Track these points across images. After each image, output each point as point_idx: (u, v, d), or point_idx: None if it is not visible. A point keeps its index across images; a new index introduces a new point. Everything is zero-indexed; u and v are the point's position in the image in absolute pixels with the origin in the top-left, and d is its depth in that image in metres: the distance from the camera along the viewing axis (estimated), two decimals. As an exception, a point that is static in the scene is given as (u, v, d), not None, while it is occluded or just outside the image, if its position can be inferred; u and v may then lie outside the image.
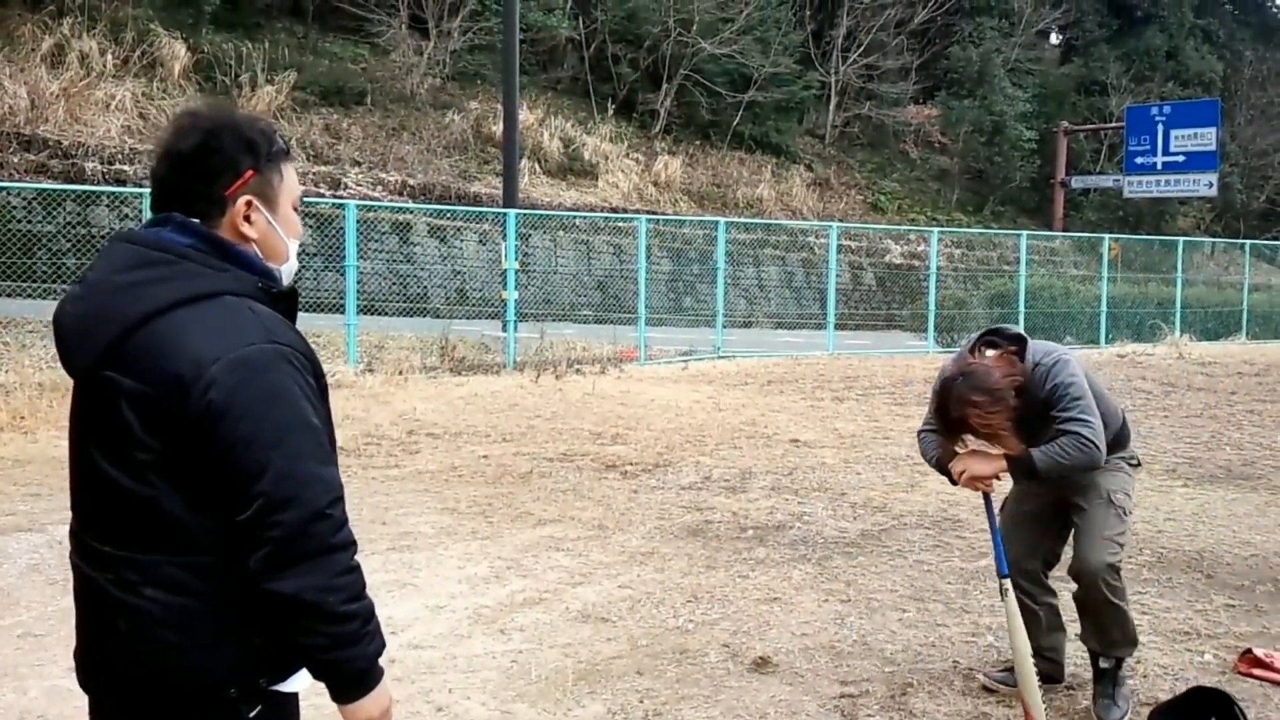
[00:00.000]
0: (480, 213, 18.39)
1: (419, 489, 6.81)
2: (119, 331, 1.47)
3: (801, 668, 3.93)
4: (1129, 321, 19.08)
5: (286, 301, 1.61)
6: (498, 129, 20.89)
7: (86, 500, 1.56)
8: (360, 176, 20.16)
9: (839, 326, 16.88)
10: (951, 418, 3.27)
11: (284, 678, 1.56)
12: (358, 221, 12.01)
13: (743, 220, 23.71)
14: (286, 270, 1.66)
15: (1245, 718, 3.18)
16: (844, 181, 31.53)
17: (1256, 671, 3.83)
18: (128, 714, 1.56)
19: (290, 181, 1.65)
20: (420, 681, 3.71)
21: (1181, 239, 21.68)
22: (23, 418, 8.15)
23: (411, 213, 19.11)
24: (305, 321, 1.66)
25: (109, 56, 18.90)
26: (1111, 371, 13.18)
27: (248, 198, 1.57)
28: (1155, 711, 3.33)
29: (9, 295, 12.68)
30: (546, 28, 25.40)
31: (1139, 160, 26.89)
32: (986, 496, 3.45)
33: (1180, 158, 25.99)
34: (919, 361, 14.42)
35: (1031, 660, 3.26)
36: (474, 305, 18.06)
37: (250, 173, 1.57)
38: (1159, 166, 26.44)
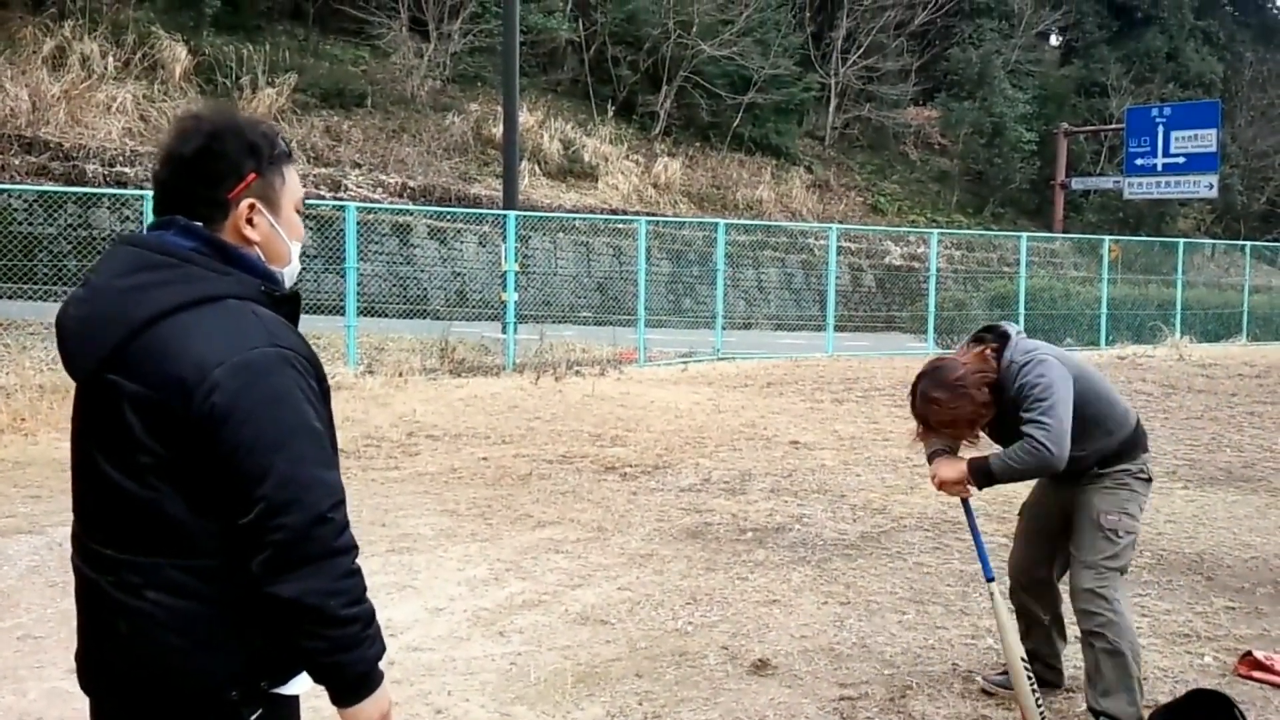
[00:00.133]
0: (480, 214, 18.40)
1: (419, 491, 6.81)
2: (122, 335, 1.48)
3: (800, 670, 3.93)
4: (1129, 323, 19.08)
5: (289, 305, 1.61)
6: (498, 131, 20.90)
7: (88, 503, 1.56)
8: (360, 178, 20.17)
9: (839, 328, 16.88)
10: (916, 414, 3.31)
11: (285, 680, 1.57)
12: (358, 223, 12.02)
13: (742, 222, 23.74)
14: (289, 272, 1.66)
15: (1244, 720, 3.18)
16: (844, 183, 31.54)
17: (1256, 674, 3.83)
18: (128, 717, 1.56)
19: (292, 184, 1.65)
20: (419, 684, 3.71)
21: (1182, 240, 21.67)
22: (23, 420, 8.15)
23: (411, 215, 19.12)
24: (305, 323, 1.66)
25: (110, 59, 18.92)
26: (1112, 374, 13.17)
27: (250, 201, 1.58)
28: (1155, 714, 3.33)
29: (10, 297, 12.69)
30: (546, 30, 25.42)
31: (1139, 162, 26.89)
32: (965, 502, 3.44)
33: (1180, 159, 26.00)
34: (919, 363, 14.39)
35: (1023, 663, 3.26)
36: (474, 307, 18.07)
37: (253, 176, 1.57)
38: (1159, 168, 26.45)
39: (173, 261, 1.51)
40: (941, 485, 3.32)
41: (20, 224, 14.61)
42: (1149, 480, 3.37)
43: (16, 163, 16.33)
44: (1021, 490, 6.63)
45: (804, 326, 22.04)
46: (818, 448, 8.48)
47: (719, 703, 3.63)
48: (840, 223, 25.82)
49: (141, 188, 15.27)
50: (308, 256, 15.71)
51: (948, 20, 34.10)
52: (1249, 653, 3.95)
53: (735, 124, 28.52)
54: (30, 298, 13.05)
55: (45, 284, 13.60)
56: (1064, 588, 3.60)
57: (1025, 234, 20.69)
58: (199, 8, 20.59)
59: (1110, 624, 3.20)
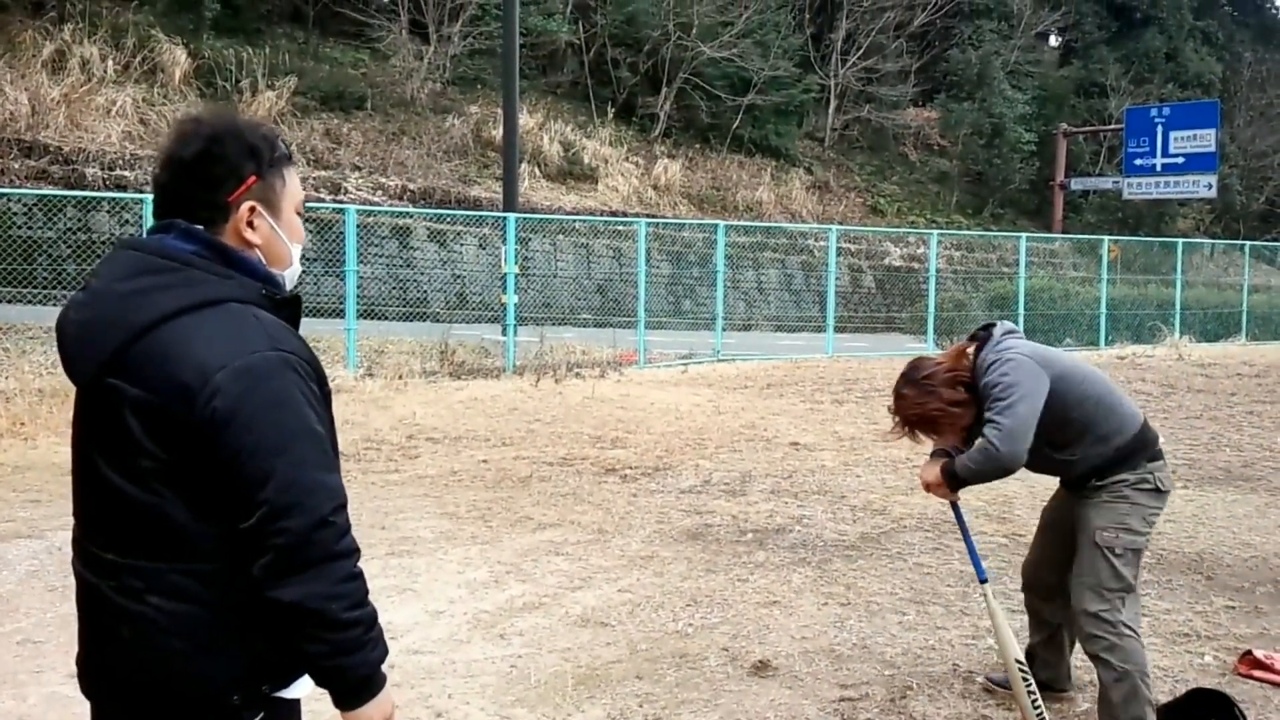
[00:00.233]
0: (480, 217, 18.41)
1: (418, 493, 6.81)
2: (123, 339, 1.47)
3: (801, 671, 3.93)
4: (1129, 323, 19.08)
5: (290, 308, 1.61)
6: (498, 133, 20.90)
7: (89, 507, 1.56)
8: (360, 181, 20.18)
9: (838, 329, 16.88)
10: (891, 411, 3.34)
11: (286, 684, 1.57)
12: (358, 226, 12.02)
13: (742, 223, 23.75)
14: (290, 275, 1.66)
15: (1245, 719, 3.18)
16: (843, 184, 31.54)
17: (1256, 673, 3.83)
18: None
19: (293, 186, 1.65)
20: (419, 687, 3.71)
21: (1181, 240, 21.67)
22: (23, 424, 8.15)
23: (411, 217, 19.13)
24: (305, 326, 1.66)
25: (110, 62, 18.92)
26: (1111, 374, 13.12)
27: (251, 204, 1.58)
28: (1156, 713, 3.32)
29: (9, 301, 12.69)
30: (546, 32, 25.43)
31: (1138, 162, 26.90)
32: (954, 505, 3.44)
33: (1180, 159, 26.01)
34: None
35: (1018, 664, 3.25)
36: (474, 309, 18.07)
37: (253, 179, 1.57)
38: (1158, 168, 26.45)
39: (173, 265, 1.51)
40: (926, 487, 3.33)
41: (20, 228, 14.61)
42: (1156, 490, 3.11)
43: (16, 166, 16.34)
44: (1022, 491, 6.65)
45: (804, 328, 22.03)
46: (818, 449, 8.48)
47: (720, 704, 3.64)
48: (840, 224, 25.83)
49: (141, 191, 15.28)
50: (307, 259, 15.62)
51: (947, 21, 34.11)
52: (1249, 652, 3.95)
53: (735, 125, 28.53)
54: (30, 302, 13.05)
55: (45, 288, 13.61)
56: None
57: (1024, 234, 20.69)
58: (198, 11, 20.61)
59: (1113, 648, 3.06)
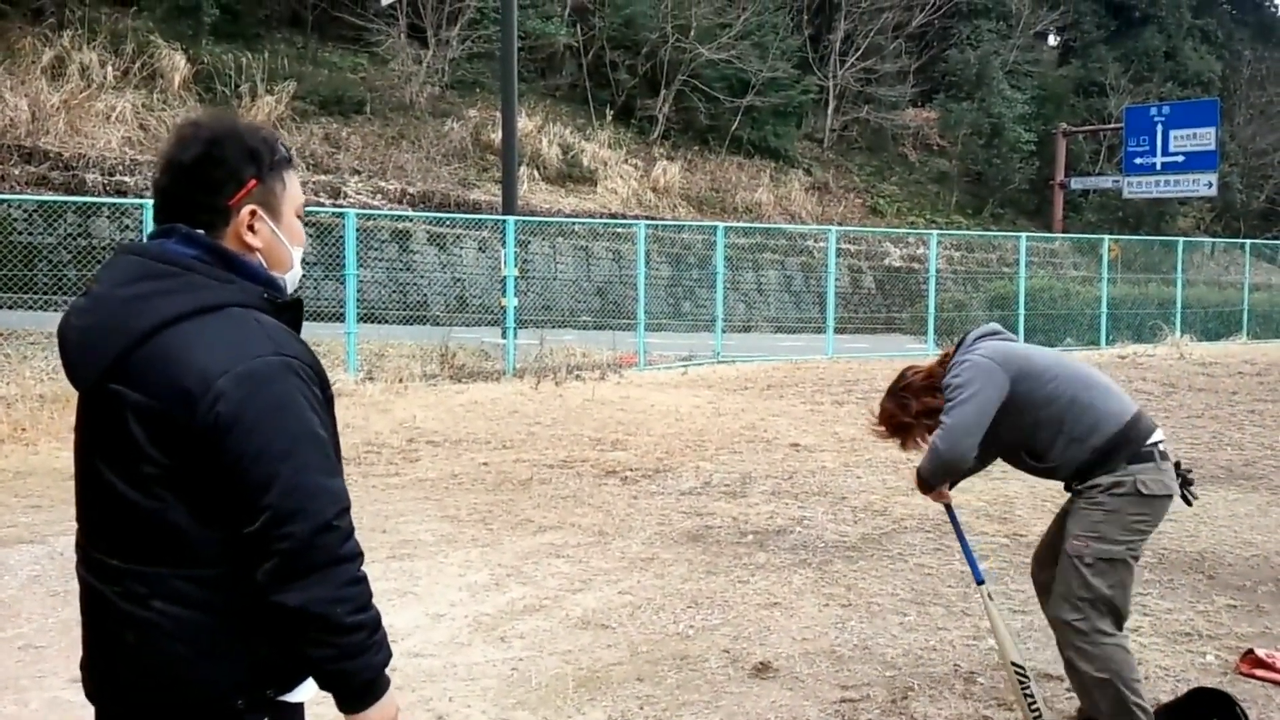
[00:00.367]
0: (479, 220, 18.42)
1: (419, 497, 6.81)
2: (125, 345, 1.47)
3: (802, 673, 3.92)
4: (1129, 322, 19.07)
5: (291, 312, 1.61)
6: (496, 136, 20.93)
7: (92, 513, 1.56)
8: (360, 185, 20.19)
9: (838, 330, 16.87)
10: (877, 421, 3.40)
11: (290, 688, 1.57)
12: (357, 230, 12.03)
13: (742, 225, 23.74)
14: (291, 277, 1.66)
15: (1247, 718, 3.18)
16: (843, 185, 31.54)
17: (1258, 672, 3.83)
18: None
19: (293, 189, 1.65)
20: (421, 690, 3.71)
21: (1181, 239, 21.67)
22: (24, 429, 8.15)
23: (411, 221, 19.14)
24: (305, 330, 1.66)
25: (109, 68, 18.94)
26: (1112, 373, 13.17)
27: (251, 207, 1.57)
28: (1157, 713, 3.32)
29: (10, 307, 12.71)
30: (545, 35, 25.45)
31: (1138, 161, 26.91)
32: (948, 508, 3.45)
33: (1179, 158, 26.01)
34: (919, 363, 14.39)
35: (1014, 665, 3.25)
36: (474, 312, 18.08)
37: (253, 182, 1.57)
38: (1158, 167, 26.46)
39: (175, 270, 1.51)
40: (919, 489, 3.35)
41: (20, 234, 14.63)
42: (1137, 495, 2.92)
43: (16, 173, 16.36)
44: (1023, 491, 6.65)
45: (804, 329, 22.03)
46: (818, 450, 8.48)
47: (720, 706, 3.63)
48: (839, 225, 25.83)
49: (141, 197, 15.29)
50: (307, 264, 15.60)
51: (945, 21, 34.13)
52: (1251, 651, 3.95)
53: (734, 127, 28.54)
54: (30, 307, 13.07)
55: (45, 293, 13.62)
56: None
57: (1025, 234, 20.69)
58: (197, 17, 20.63)
59: (1086, 655, 2.99)
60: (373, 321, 14.87)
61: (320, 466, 1.49)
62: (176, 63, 19.76)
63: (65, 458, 7.25)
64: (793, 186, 29.29)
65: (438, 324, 15.66)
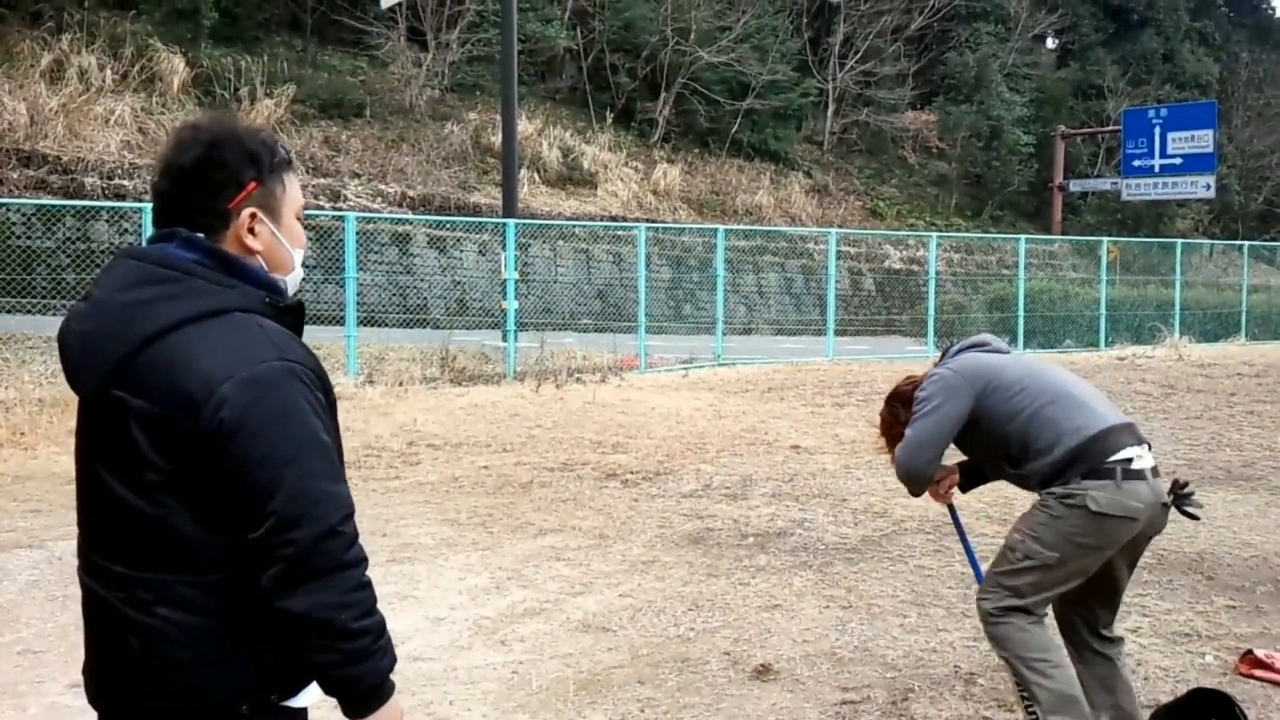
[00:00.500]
0: (480, 223, 18.42)
1: (419, 500, 6.81)
2: (126, 351, 1.47)
3: (803, 675, 3.92)
4: (1128, 324, 19.08)
5: (293, 316, 1.60)
6: (497, 139, 20.93)
7: (94, 519, 1.55)
8: (360, 188, 20.20)
9: (839, 332, 16.89)
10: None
11: (294, 693, 1.56)
12: (357, 233, 12.03)
13: (742, 228, 23.73)
14: (292, 280, 1.65)
15: (1246, 719, 3.17)
16: (843, 188, 31.56)
17: (1257, 672, 3.83)
18: None
19: (293, 192, 1.64)
20: (421, 693, 3.71)
21: (1180, 241, 21.69)
22: (23, 434, 8.15)
23: (411, 224, 19.15)
24: (306, 333, 1.66)
25: (108, 72, 18.95)
26: (1111, 374, 13.18)
27: (251, 210, 1.57)
28: (1156, 713, 3.33)
29: (9, 311, 12.70)
30: (544, 38, 25.47)
31: (1136, 163, 26.95)
32: (951, 508, 3.46)
33: (1178, 160, 26.06)
34: (919, 366, 14.41)
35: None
36: (474, 315, 18.07)
37: (253, 184, 1.57)
38: (1156, 169, 26.50)
39: (176, 275, 1.50)
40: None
41: (19, 237, 14.63)
42: (1084, 509, 2.85)
43: (15, 176, 16.36)
44: (1023, 493, 6.64)
45: (804, 331, 22.05)
46: (819, 452, 8.48)
47: (721, 708, 3.64)
48: (839, 227, 25.84)
49: (140, 200, 15.30)
50: (307, 267, 15.54)
51: (944, 24, 34.16)
52: (1250, 651, 3.95)
53: (734, 130, 28.56)
54: (29, 311, 13.06)
55: (44, 297, 13.62)
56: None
57: (1024, 236, 20.71)
58: (196, 20, 20.64)
59: (989, 636, 3.02)
60: (373, 325, 14.87)
61: (324, 472, 1.49)
62: (175, 66, 19.76)
63: (64, 462, 7.25)
64: (793, 189, 29.31)
65: (438, 327, 15.67)
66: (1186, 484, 2.98)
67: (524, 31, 23.09)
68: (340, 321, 11.76)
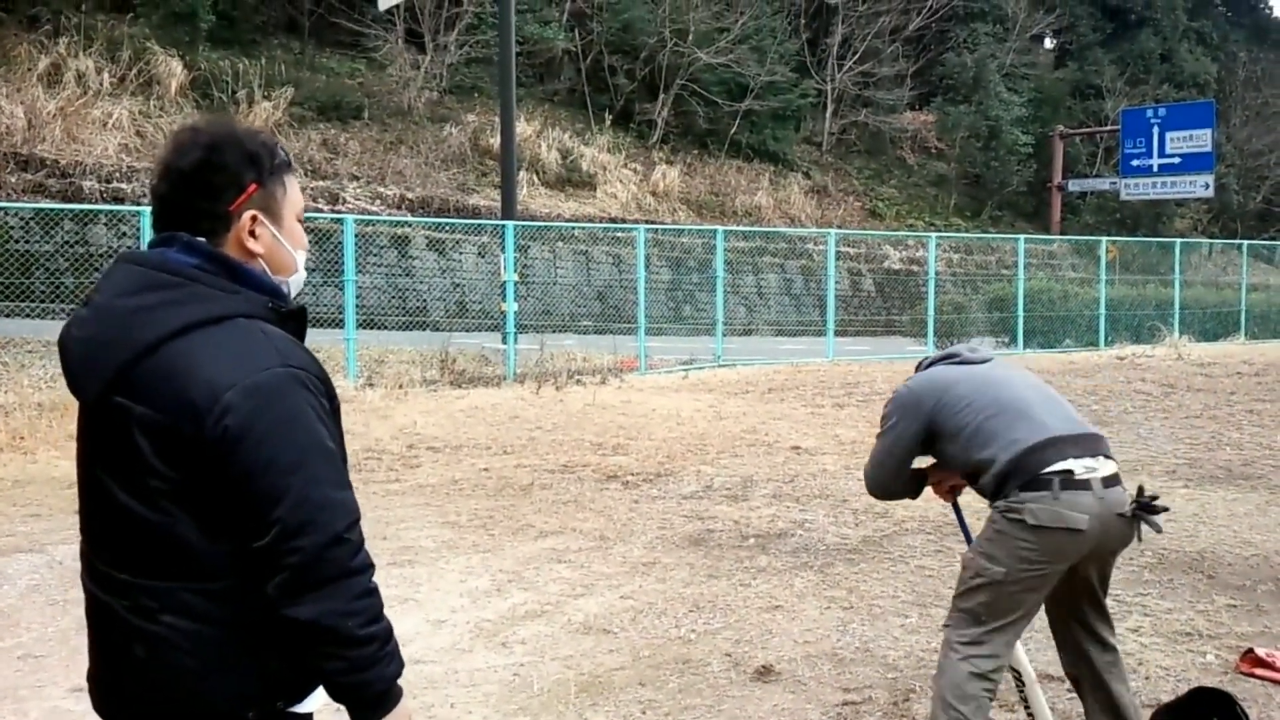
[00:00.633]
0: (479, 225, 18.42)
1: (419, 503, 6.81)
2: (129, 357, 1.46)
3: (804, 676, 3.92)
4: (1128, 323, 19.09)
5: (295, 320, 1.60)
6: (495, 141, 20.93)
7: (97, 525, 1.55)
8: (358, 191, 20.20)
9: (839, 333, 16.89)
10: None
11: (300, 699, 1.56)
12: (356, 236, 12.03)
13: (741, 229, 23.74)
14: (295, 282, 1.64)
15: (1247, 718, 3.17)
16: (842, 188, 31.57)
17: (1259, 671, 3.83)
18: None
19: (293, 194, 1.63)
20: (422, 696, 3.71)
21: (1179, 240, 21.70)
22: (22, 438, 8.14)
23: (410, 226, 19.15)
24: (305, 336, 1.66)
25: (105, 75, 18.95)
26: (1111, 374, 13.19)
27: (252, 212, 1.56)
28: (1157, 712, 3.32)
29: (7, 315, 12.70)
30: (543, 40, 25.48)
31: (1135, 163, 26.97)
32: (955, 507, 3.45)
33: (1176, 159, 26.08)
34: (919, 367, 14.40)
35: (1011, 667, 3.24)
36: (474, 318, 18.06)
37: (254, 187, 1.56)
38: (1155, 169, 26.52)
39: (178, 280, 1.49)
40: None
41: (17, 242, 14.62)
42: (1022, 524, 2.79)
43: (13, 180, 16.35)
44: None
45: (804, 332, 22.05)
46: (819, 452, 8.47)
47: (723, 710, 3.63)
48: (839, 228, 25.84)
49: (138, 204, 15.28)
50: (306, 270, 15.55)
51: (942, 25, 34.18)
52: (1251, 650, 3.95)
53: (733, 131, 28.57)
54: (28, 315, 13.06)
55: (43, 301, 13.62)
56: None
57: (1023, 236, 20.72)
58: (194, 23, 20.63)
59: (940, 665, 2.94)
60: (372, 327, 14.88)
61: (330, 479, 1.48)
62: (173, 69, 19.76)
63: (64, 466, 7.24)
64: (792, 190, 29.32)
65: (437, 329, 15.67)
66: (1154, 497, 2.88)
67: (522, 33, 23.10)
68: (340, 324, 11.76)
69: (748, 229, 23.92)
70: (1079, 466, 2.82)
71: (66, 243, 15.25)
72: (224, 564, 1.47)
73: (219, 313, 1.48)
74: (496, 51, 17.60)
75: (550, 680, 3.88)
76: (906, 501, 6.66)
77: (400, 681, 1.54)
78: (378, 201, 20.17)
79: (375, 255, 18.23)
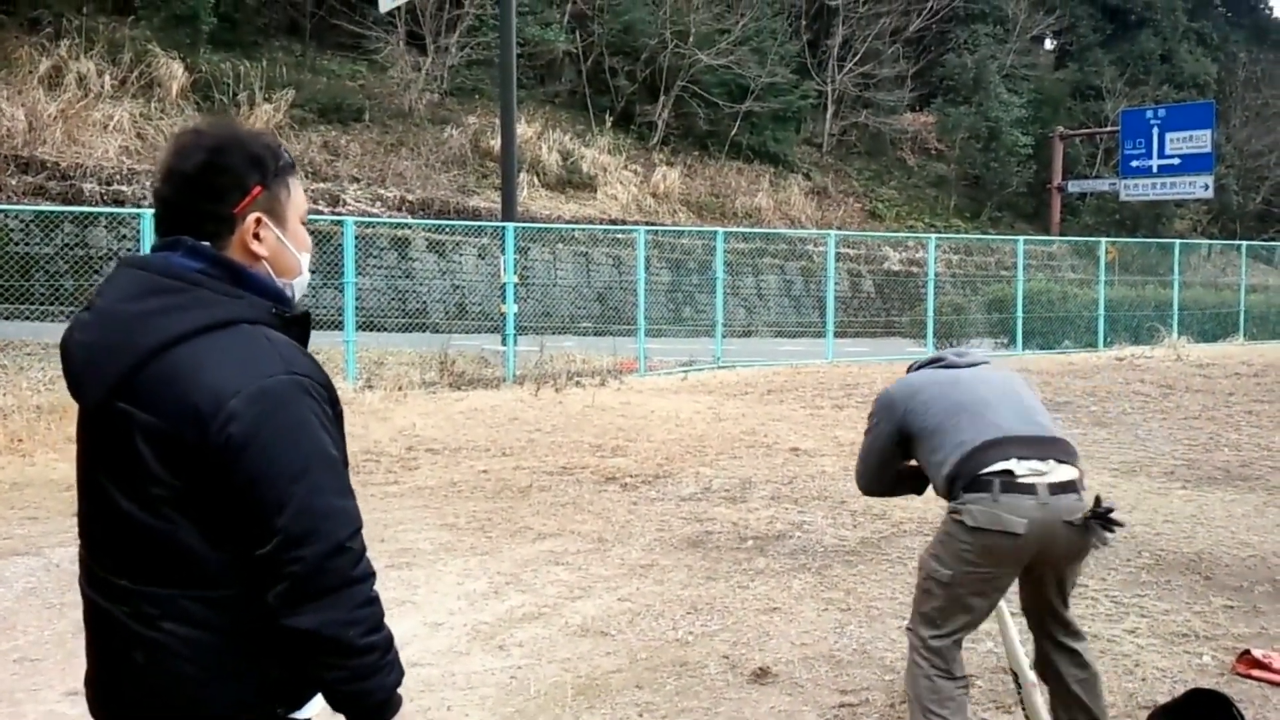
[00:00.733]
0: (479, 227, 18.42)
1: (418, 505, 6.81)
2: (132, 363, 1.45)
3: (801, 678, 3.93)
4: (1127, 324, 19.09)
5: (298, 326, 1.59)
6: (496, 143, 20.94)
7: (97, 531, 1.54)
8: (359, 193, 20.21)
9: (838, 334, 16.89)
10: None
11: (299, 706, 1.56)
12: (356, 238, 12.03)
13: (741, 230, 23.74)
14: (299, 284, 1.64)
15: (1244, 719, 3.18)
16: (842, 190, 31.58)
17: (1255, 673, 3.83)
18: None
19: (297, 196, 1.63)
20: (419, 699, 3.71)
21: (1178, 241, 21.70)
22: (20, 440, 8.14)
23: (410, 228, 19.16)
24: (309, 342, 1.65)
25: (106, 77, 18.96)
26: (1110, 375, 13.19)
27: (256, 215, 1.55)
28: (1154, 714, 3.33)
29: (7, 318, 12.72)
30: (544, 42, 25.49)
31: (1135, 164, 26.98)
32: None
33: (1176, 160, 26.09)
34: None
35: (1010, 669, 3.24)
36: (473, 319, 18.08)
37: (258, 189, 1.55)
38: (1155, 169, 26.53)
39: (181, 285, 1.48)
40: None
41: (17, 244, 14.63)
42: (963, 525, 2.80)
43: (13, 183, 16.37)
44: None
45: (804, 333, 22.05)
46: (818, 454, 8.48)
47: (720, 712, 3.64)
48: (839, 229, 25.83)
49: (139, 206, 15.29)
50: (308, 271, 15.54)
51: (943, 26, 34.19)
52: (1247, 651, 3.96)
53: (733, 132, 28.58)
54: (27, 318, 13.08)
55: (42, 304, 13.64)
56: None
57: (1023, 237, 20.74)
58: (195, 25, 20.65)
59: (907, 671, 2.97)
60: (372, 329, 14.87)
61: (333, 487, 1.48)
62: (174, 71, 19.77)
63: (62, 469, 7.25)
64: (792, 191, 29.33)
65: (437, 331, 15.68)
66: (1110, 510, 2.80)
67: (523, 35, 23.10)
68: (339, 326, 11.76)
69: (748, 230, 23.93)
70: (1022, 468, 2.78)
71: (67, 245, 15.26)
72: (225, 571, 1.47)
73: (223, 318, 1.48)
74: (497, 53, 17.61)
75: (547, 683, 3.89)
76: (904, 503, 6.71)
77: (401, 691, 1.54)
78: (378, 203, 20.19)
79: (375, 257, 18.24)
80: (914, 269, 25.76)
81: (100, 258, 15.07)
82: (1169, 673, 3.91)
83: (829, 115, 32.42)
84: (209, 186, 1.52)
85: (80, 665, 1.65)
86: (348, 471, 1.56)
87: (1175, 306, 19.63)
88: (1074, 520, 2.76)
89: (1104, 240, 21.08)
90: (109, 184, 17.13)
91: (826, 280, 16.95)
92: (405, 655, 4.27)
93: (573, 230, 20.72)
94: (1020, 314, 17.93)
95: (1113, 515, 2.79)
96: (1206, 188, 26.27)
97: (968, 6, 34.35)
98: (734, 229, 22.28)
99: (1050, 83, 36.84)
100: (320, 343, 12.43)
